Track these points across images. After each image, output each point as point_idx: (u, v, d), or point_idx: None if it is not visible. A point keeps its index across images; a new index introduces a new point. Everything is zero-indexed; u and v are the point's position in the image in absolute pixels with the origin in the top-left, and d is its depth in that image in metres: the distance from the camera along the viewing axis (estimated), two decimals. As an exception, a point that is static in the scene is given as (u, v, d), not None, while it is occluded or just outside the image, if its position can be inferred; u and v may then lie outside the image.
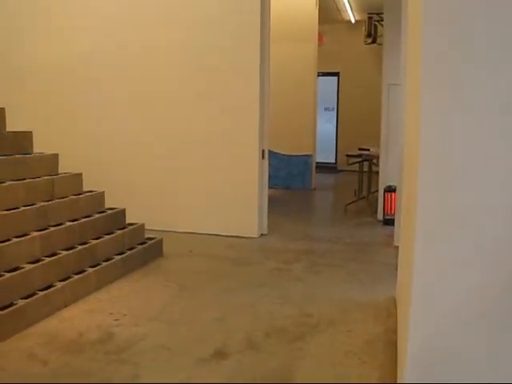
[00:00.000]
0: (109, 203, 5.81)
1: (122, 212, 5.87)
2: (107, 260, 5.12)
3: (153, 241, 5.92)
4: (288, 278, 5.27)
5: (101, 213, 5.61)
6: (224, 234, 6.86)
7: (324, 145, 14.15)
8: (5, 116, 5.34)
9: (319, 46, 11.64)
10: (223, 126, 6.90)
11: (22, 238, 4.45)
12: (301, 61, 10.95)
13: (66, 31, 7.39)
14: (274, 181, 8.69)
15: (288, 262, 5.81)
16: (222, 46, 6.82)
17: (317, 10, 11.08)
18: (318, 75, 11.91)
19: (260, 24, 6.69)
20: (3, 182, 4.76)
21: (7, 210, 4.57)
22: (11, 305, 3.91)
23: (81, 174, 5.68)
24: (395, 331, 3.87)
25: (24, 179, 5.00)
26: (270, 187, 7.39)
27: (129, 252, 5.46)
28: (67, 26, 7.37)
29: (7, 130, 5.31)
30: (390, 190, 7.49)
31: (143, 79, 7.14)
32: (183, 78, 7.00)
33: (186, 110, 7.03)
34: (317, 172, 11.83)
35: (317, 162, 11.89)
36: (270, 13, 6.91)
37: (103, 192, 5.78)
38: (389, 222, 7.37)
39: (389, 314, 4.29)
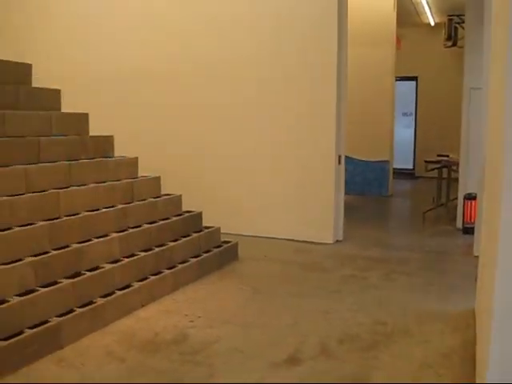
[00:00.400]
0: (185, 206, 5.91)
1: (199, 215, 5.96)
2: (183, 262, 5.21)
3: (228, 244, 5.97)
4: (363, 286, 5.20)
5: (178, 216, 5.72)
6: (299, 239, 6.84)
7: (402, 150, 13.87)
8: (88, 121, 5.54)
9: (397, 49, 11.45)
10: (299, 130, 6.89)
11: (103, 239, 4.60)
12: (378, 65, 10.79)
13: (141, 42, 7.59)
14: (349, 186, 8.58)
15: (363, 269, 5.73)
16: (298, 50, 6.81)
17: (395, 13, 10.90)
18: (396, 79, 11.71)
19: (337, 28, 6.64)
20: (86, 185, 4.93)
21: (89, 211, 4.73)
22: (91, 303, 4.04)
23: (159, 178, 5.81)
24: (474, 344, 3.74)
25: (105, 182, 5.17)
26: (345, 193, 7.31)
27: (205, 255, 5.53)
28: (144, 38, 7.57)
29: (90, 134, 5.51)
30: (470, 197, 7.26)
31: (220, 85, 7.23)
32: (259, 83, 7.04)
33: (263, 115, 7.06)
34: (394, 178, 11.63)
35: (394, 168, 11.69)
36: (347, 16, 6.85)
37: (180, 195, 5.89)
38: (468, 230, 7.14)
39: (467, 325, 4.15)
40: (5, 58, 5.37)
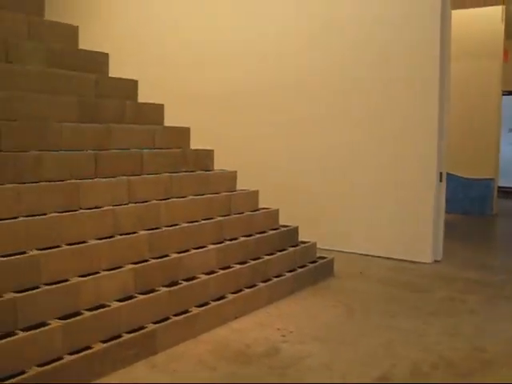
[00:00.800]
0: (282, 220, 5.96)
1: (295, 230, 5.99)
2: (278, 276, 5.24)
3: (324, 260, 5.96)
4: (461, 309, 5.02)
5: (275, 230, 5.77)
6: (396, 257, 6.71)
7: (508, 168, 13.30)
8: (189, 135, 5.73)
9: (504, 62, 11.01)
10: (399, 145, 6.75)
11: (200, 250, 4.73)
12: (483, 78, 10.43)
13: (242, 58, 7.74)
14: (451, 205, 8.32)
15: (462, 291, 5.53)
16: (399, 65, 6.70)
17: (503, 26, 10.50)
18: (503, 94, 11.26)
19: (439, 40, 6.48)
20: (186, 197, 5.09)
21: (188, 222, 4.88)
22: (186, 312, 4.15)
23: (257, 192, 5.90)
24: None
25: (204, 194, 5.31)
26: (446, 211, 7.10)
27: (300, 270, 5.54)
28: (245, 52, 7.73)
29: (191, 147, 5.69)
30: None
31: (316, 99, 7.24)
32: (359, 97, 6.99)
33: (362, 130, 6.99)
34: (499, 197, 11.16)
35: (499, 187, 11.22)
36: (450, 30, 6.68)
37: (277, 209, 5.94)
38: None
39: None
40: (112, 75, 5.68)
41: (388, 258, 6.72)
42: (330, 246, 6.65)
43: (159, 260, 4.32)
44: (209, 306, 4.34)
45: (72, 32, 5.63)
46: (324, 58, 7.17)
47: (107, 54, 5.72)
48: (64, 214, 3.99)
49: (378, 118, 6.89)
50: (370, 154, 6.96)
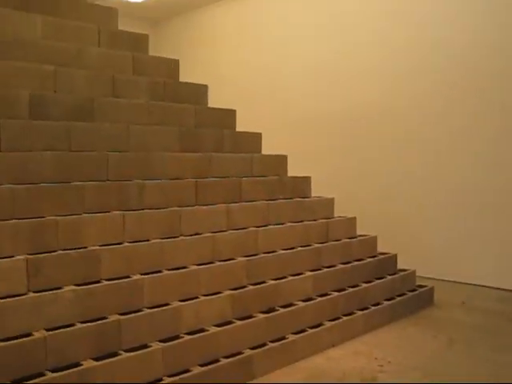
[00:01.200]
0: (379, 247, 5.88)
1: (394, 257, 5.89)
2: (376, 304, 5.17)
3: (424, 288, 5.81)
4: None
5: (372, 257, 5.71)
6: (503, 286, 6.41)
7: None
8: (287, 162, 5.82)
9: None
10: (509, 170, 6.45)
11: (297, 277, 4.76)
12: None
13: (349, 81, 7.76)
14: None
15: None
16: None
17: None
18: None
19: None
20: (283, 223, 5.15)
21: (285, 249, 4.94)
22: (283, 338, 4.18)
23: (354, 219, 5.87)
24: None
25: (302, 221, 5.35)
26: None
27: (398, 298, 5.44)
28: (345, 76, 7.75)
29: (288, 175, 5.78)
30: None
31: (428, 118, 7.10)
32: (469, 120, 6.79)
33: (468, 152, 6.76)
34: None
35: None
36: None
37: (375, 237, 5.88)
38: None
39: None
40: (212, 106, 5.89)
41: (494, 288, 6.44)
42: (430, 274, 6.48)
43: (257, 286, 4.39)
44: (305, 333, 4.35)
45: (173, 66, 5.90)
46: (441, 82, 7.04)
47: (206, 86, 5.94)
48: (166, 240, 4.16)
49: (492, 145, 6.59)
50: (475, 179, 6.69)
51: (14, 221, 3.60)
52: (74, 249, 3.72)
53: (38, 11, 5.18)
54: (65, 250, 3.68)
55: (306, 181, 5.82)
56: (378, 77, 7.45)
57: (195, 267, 4.15)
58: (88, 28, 5.39)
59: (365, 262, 5.53)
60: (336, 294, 4.90)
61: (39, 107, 4.39)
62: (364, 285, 5.24)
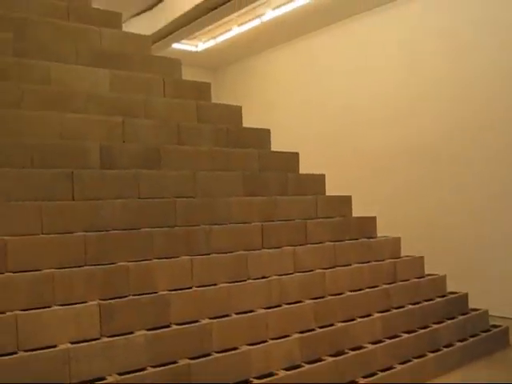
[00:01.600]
0: (448, 285, 5.76)
1: (464, 297, 5.74)
2: (448, 346, 5.03)
3: (498, 329, 5.62)
4: None
5: (442, 297, 5.58)
6: None
7: None
8: (351, 203, 5.81)
9: None
10: None
11: (366, 319, 4.70)
12: None
13: (406, 115, 7.74)
14: None
15: None
16: None
17: None
18: None
19: None
20: (350, 265, 5.13)
21: (353, 290, 4.90)
22: (353, 382, 4.12)
23: (422, 258, 5.77)
24: None
25: (369, 262, 5.31)
26: None
27: (471, 339, 5.27)
28: (409, 108, 7.73)
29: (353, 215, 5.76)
30: None
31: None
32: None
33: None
34: None
35: None
36: None
37: (445, 276, 5.76)
38: None
39: None
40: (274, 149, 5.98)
41: None
42: (504, 313, 6.25)
43: (325, 329, 4.36)
44: (376, 376, 4.27)
45: (236, 112, 6.03)
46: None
47: (269, 130, 6.04)
48: (233, 284, 4.20)
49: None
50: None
51: (86, 267, 3.73)
52: (145, 294, 3.81)
53: (106, 66, 5.44)
54: (135, 295, 3.78)
55: (371, 221, 5.78)
56: (440, 114, 7.42)
57: (263, 310, 4.17)
58: (154, 79, 5.60)
59: (434, 301, 5.40)
60: (406, 335, 4.80)
61: (109, 157, 4.57)
62: (434, 325, 5.11)
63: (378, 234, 5.87)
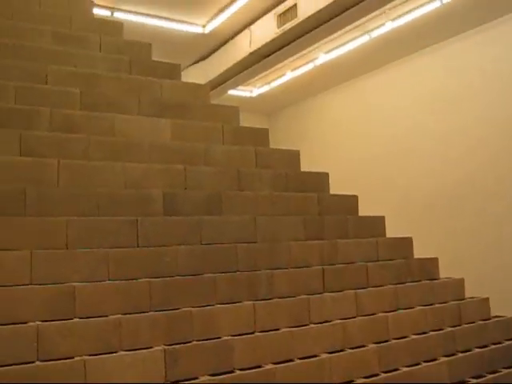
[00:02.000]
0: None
1: (534, 337, 5.56)
2: (519, 391, 4.87)
3: None
4: None
5: (510, 340, 5.41)
6: None
7: None
8: (412, 245, 5.75)
9: None
10: None
11: (431, 363, 4.59)
12: None
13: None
14: None
15: None
16: None
17: None
18: None
19: None
20: (413, 307, 5.05)
21: (416, 334, 4.81)
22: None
23: (487, 299, 5.63)
24: None
25: (432, 304, 5.22)
26: None
27: (543, 384, 5.09)
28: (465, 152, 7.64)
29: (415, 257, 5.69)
30: None
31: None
32: None
33: None
34: None
35: None
36: None
37: (511, 318, 5.59)
38: None
39: None
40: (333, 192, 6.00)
41: None
42: None
43: (390, 374, 4.29)
44: (445, 423, 4.17)
45: (294, 156, 6.09)
46: None
47: (327, 174, 6.06)
48: (295, 328, 4.20)
49: None
50: None
51: (151, 313, 3.81)
52: (208, 339, 3.85)
53: (167, 116, 5.62)
54: (199, 340, 3.82)
55: (433, 262, 5.70)
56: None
57: (326, 355, 4.14)
58: (213, 127, 5.75)
59: (503, 345, 5.24)
60: (474, 380, 4.66)
61: (172, 204, 4.69)
62: (504, 370, 4.95)
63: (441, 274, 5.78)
